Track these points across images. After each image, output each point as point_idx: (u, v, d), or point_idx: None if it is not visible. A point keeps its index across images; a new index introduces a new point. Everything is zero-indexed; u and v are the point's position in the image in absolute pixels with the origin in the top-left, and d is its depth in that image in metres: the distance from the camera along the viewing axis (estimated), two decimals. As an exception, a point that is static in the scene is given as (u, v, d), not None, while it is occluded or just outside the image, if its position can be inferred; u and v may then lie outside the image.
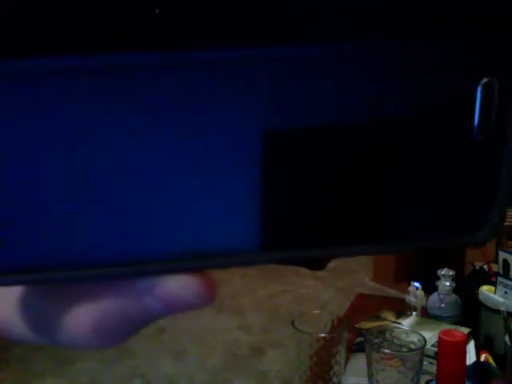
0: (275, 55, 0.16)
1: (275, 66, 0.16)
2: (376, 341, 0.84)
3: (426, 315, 1.18)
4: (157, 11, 0.15)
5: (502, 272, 1.09)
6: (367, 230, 0.18)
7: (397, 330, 0.87)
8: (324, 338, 0.84)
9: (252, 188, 0.17)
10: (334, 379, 0.86)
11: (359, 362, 0.97)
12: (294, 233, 0.17)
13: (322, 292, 2.98)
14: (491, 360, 1.01)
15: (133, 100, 0.16)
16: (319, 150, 0.17)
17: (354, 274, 3.20)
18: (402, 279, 2.85)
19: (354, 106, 0.17)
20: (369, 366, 0.83)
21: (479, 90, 0.17)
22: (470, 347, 1.03)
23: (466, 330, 1.03)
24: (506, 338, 0.96)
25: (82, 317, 0.18)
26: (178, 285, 0.17)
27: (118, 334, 0.18)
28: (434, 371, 0.88)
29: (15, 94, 0.15)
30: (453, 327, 1.06)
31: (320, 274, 3.20)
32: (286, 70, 0.16)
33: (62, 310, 0.18)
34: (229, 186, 0.17)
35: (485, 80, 0.17)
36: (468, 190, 0.18)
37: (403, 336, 0.85)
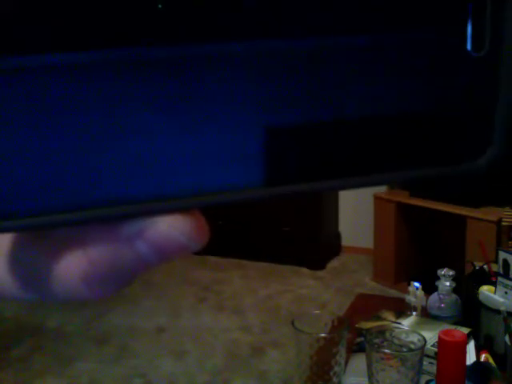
0: (276, 49, 0.16)
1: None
2: (376, 341, 0.84)
3: (426, 315, 1.18)
4: (159, 6, 0.15)
5: (502, 272, 1.09)
6: (369, 159, 0.17)
7: (397, 330, 0.87)
8: (324, 338, 0.84)
9: (253, 122, 0.17)
10: (334, 379, 0.86)
11: (359, 362, 0.97)
12: (296, 167, 0.17)
13: (322, 292, 2.98)
14: (491, 360, 1.01)
15: (133, 94, 0.16)
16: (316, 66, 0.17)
17: (354, 274, 3.20)
18: (402, 279, 2.86)
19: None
20: (369, 366, 0.83)
21: (470, 5, 0.17)
22: (470, 347, 1.03)
23: (466, 330, 1.03)
24: (506, 338, 0.96)
25: (71, 266, 0.17)
26: (167, 226, 0.17)
27: (109, 283, 0.18)
28: (434, 371, 0.89)
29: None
30: (453, 327, 1.06)
31: (320, 273, 3.20)
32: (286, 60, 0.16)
33: (50, 260, 0.17)
34: (227, 119, 0.16)
35: None
36: (466, 112, 0.18)
37: (403, 336, 0.85)
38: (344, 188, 0.18)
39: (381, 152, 0.17)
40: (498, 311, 1.04)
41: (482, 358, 1.01)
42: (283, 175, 0.17)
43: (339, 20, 0.16)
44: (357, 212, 3.45)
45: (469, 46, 0.17)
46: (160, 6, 0.15)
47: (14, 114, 0.15)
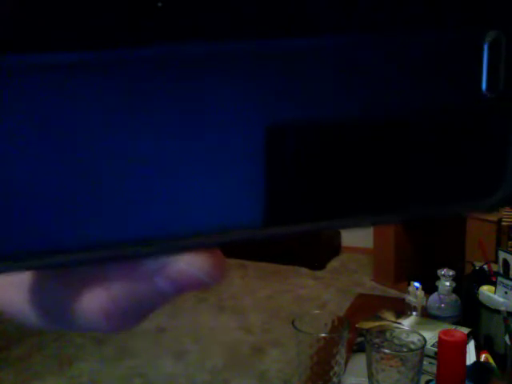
0: (278, 48, 0.16)
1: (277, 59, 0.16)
2: (376, 341, 0.84)
3: (426, 315, 1.18)
4: (159, 4, 0.15)
5: (501, 272, 1.09)
6: (374, 199, 0.17)
7: (397, 330, 0.87)
8: (324, 338, 0.84)
9: (255, 165, 0.17)
10: (334, 379, 0.86)
11: (359, 361, 0.97)
12: (299, 208, 0.17)
13: (322, 292, 2.98)
14: (491, 360, 1.01)
15: (133, 94, 0.16)
16: (322, 128, 0.17)
17: (354, 274, 3.20)
18: (402, 279, 2.86)
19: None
20: (369, 366, 0.83)
21: (486, 45, 0.17)
22: (470, 347, 1.03)
23: (466, 330, 1.03)
24: (506, 338, 0.96)
25: (93, 301, 0.18)
26: (186, 263, 0.17)
27: (129, 317, 0.18)
28: (434, 371, 0.89)
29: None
30: (453, 327, 1.06)
31: (320, 273, 3.20)
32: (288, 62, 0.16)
33: (72, 294, 0.18)
34: (232, 165, 0.16)
35: (491, 34, 0.17)
36: (478, 152, 0.17)
37: (403, 336, 0.85)
38: (345, 227, 0.18)
39: (388, 191, 0.17)
40: (498, 311, 1.04)
41: (482, 358, 1.01)
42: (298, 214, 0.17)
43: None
44: (357, 212, 3.45)
45: (483, 87, 0.17)
46: (160, 4, 0.15)
47: (27, 137, 0.15)
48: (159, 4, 0.15)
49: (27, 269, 0.17)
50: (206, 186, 0.17)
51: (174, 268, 0.17)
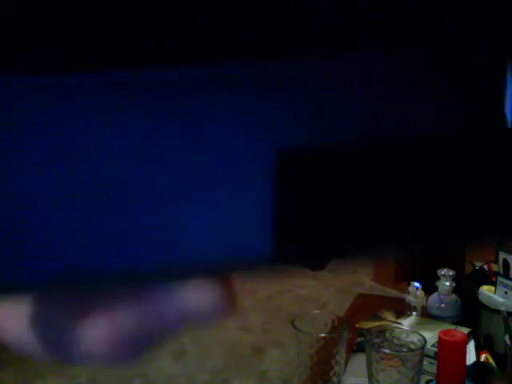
0: (285, 69, 0.15)
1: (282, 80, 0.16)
2: (376, 341, 0.84)
3: (426, 315, 1.18)
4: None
5: (501, 272, 1.09)
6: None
7: (397, 330, 0.87)
8: (324, 338, 0.84)
9: (263, 198, 0.16)
10: (334, 379, 0.86)
11: (359, 361, 0.97)
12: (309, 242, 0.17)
13: (321, 292, 2.98)
14: (491, 360, 1.01)
15: (138, 115, 0.15)
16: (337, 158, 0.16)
17: (354, 274, 3.20)
18: (402, 279, 2.85)
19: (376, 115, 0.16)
20: (369, 366, 0.83)
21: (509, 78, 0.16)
22: (470, 347, 1.03)
23: (466, 330, 1.03)
24: (506, 338, 0.96)
25: (98, 333, 0.17)
26: (196, 295, 0.16)
27: (135, 349, 0.18)
28: (434, 371, 0.89)
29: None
30: (453, 327, 1.06)
31: (320, 273, 3.20)
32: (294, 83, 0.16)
33: (76, 324, 0.17)
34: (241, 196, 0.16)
35: None
36: (504, 192, 0.17)
37: (403, 336, 0.85)
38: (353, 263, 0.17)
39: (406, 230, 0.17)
40: (498, 311, 1.04)
41: (482, 358, 1.01)
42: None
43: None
44: (357, 212, 3.45)
45: (509, 123, 0.16)
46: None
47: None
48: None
49: (31, 298, 0.17)
50: (216, 216, 0.16)
51: (183, 299, 0.16)
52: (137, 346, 0.18)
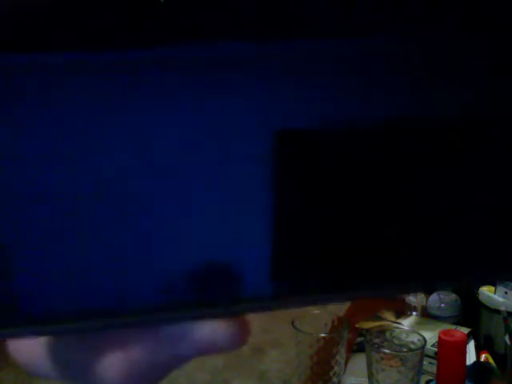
0: (287, 51, 0.15)
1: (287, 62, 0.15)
2: (376, 341, 0.84)
3: (426, 315, 1.18)
4: (162, 1, 0.14)
5: (502, 272, 1.09)
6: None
7: (397, 330, 0.87)
8: (324, 338, 0.84)
9: (266, 226, 0.16)
10: (334, 379, 0.86)
11: (359, 361, 0.97)
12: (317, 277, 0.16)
13: (322, 292, 2.98)
14: (491, 360, 1.00)
15: (136, 102, 0.15)
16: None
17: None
18: (402, 279, 2.85)
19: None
20: (369, 366, 0.83)
21: None
22: (470, 347, 1.02)
23: (465, 330, 1.03)
24: (506, 338, 0.95)
25: (111, 365, 0.18)
26: (210, 330, 0.17)
27: (148, 380, 0.18)
28: (434, 371, 0.88)
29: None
30: (453, 327, 1.06)
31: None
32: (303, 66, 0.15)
33: (90, 357, 0.18)
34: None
35: None
36: None
37: (403, 336, 0.85)
38: (361, 297, 0.17)
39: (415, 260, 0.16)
40: (498, 311, 1.04)
41: (482, 358, 1.01)
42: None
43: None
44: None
45: None
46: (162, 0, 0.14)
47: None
48: (162, 0, 0.14)
49: (43, 335, 0.17)
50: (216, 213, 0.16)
51: (197, 335, 0.17)
52: (149, 377, 0.18)
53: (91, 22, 0.14)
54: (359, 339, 1.07)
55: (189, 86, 0.15)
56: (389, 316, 1.19)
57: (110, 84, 0.15)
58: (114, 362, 0.18)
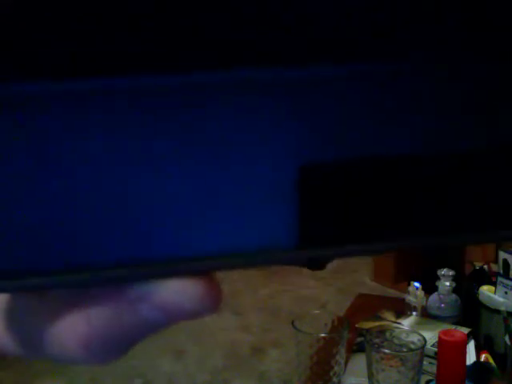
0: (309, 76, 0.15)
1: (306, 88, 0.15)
2: (376, 341, 0.84)
3: (426, 315, 1.18)
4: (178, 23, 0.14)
5: (502, 272, 1.09)
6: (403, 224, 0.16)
7: (397, 330, 0.87)
8: (324, 338, 0.84)
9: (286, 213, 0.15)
10: (334, 379, 0.86)
11: (359, 361, 0.97)
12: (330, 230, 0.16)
13: (321, 292, 2.98)
14: (491, 360, 1.01)
15: (154, 127, 0.15)
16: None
17: (354, 274, 3.20)
18: (402, 279, 2.85)
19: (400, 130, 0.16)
20: (369, 366, 0.83)
21: None
22: (470, 347, 1.03)
23: (465, 330, 1.03)
24: (506, 338, 0.96)
25: (70, 329, 0.16)
26: (176, 291, 0.15)
27: (112, 348, 0.17)
28: (434, 371, 0.88)
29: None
30: (453, 327, 1.06)
31: (320, 274, 3.20)
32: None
33: (49, 321, 0.16)
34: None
35: None
36: None
37: (403, 336, 0.85)
38: (376, 253, 0.17)
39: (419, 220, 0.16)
40: (497, 311, 1.04)
41: (482, 358, 1.01)
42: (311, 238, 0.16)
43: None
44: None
45: None
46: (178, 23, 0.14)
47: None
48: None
49: (1, 291, 0.16)
50: (201, 204, 0.15)
51: (161, 296, 0.15)
52: (113, 346, 0.17)
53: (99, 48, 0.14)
54: (359, 339, 1.07)
55: (214, 118, 0.15)
56: (389, 316, 1.19)
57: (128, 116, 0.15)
58: (73, 327, 0.16)
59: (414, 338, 0.83)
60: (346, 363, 0.93)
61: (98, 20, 0.14)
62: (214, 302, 0.16)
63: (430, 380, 0.93)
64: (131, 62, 0.14)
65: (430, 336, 1.02)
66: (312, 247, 0.16)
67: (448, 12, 0.15)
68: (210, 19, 0.14)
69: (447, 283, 1.17)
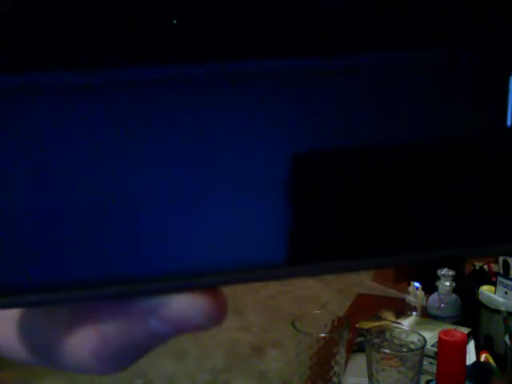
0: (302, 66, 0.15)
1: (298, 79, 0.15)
2: (376, 341, 0.84)
3: (426, 315, 1.18)
4: (174, 22, 0.14)
5: (502, 272, 1.09)
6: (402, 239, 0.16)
7: (397, 330, 0.87)
8: (324, 338, 0.84)
9: (274, 202, 0.15)
10: (334, 379, 0.86)
11: (359, 361, 0.97)
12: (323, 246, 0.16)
13: (322, 292, 2.98)
14: (491, 360, 1.00)
15: (150, 122, 0.15)
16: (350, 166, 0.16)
17: (354, 274, 3.20)
18: (402, 279, 2.85)
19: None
20: (369, 366, 0.83)
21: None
22: (470, 347, 1.03)
23: (466, 330, 1.03)
24: (506, 338, 0.96)
25: (81, 340, 0.17)
26: (184, 304, 0.16)
27: (121, 359, 0.17)
28: (434, 371, 0.88)
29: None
30: (453, 327, 1.06)
31: (320, 274, 3.19)
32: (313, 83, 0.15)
33: (61, 332, 0.17)
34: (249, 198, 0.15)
35: None
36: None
37: (403, 336, 0.85)
38: (370, 268, 0.17)
39: (414, 234, 0.16)
40: (498, 311, 1.04)
41: (482, 358, 1.01)
42: (307, 253, 0.16)
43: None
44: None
45: (509, 123, 0.16)
46: (175, 21, 0.14)
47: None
48: (174, 22, 0.14)
49: (15, 306, 0.16)
50: (208, 223, 0.15)
51: (169, 309, 0.16)
52: (123, 357, 0.17)
53: (98, 42, 0.14)
54: (359, 339, 1.07)
55: (208, 108, 0.15)
56: (389, 316, 1.19)
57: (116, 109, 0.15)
58: (84, 339, 0.17)
59: (414, 337, 0.83)
60: (346, 363, 0.93)
61: (90, 12, 0.14)
62: (219, 315, 0.16)
63: (430, 380, 0.93)
64: (126, 55, 0.14)
65: (430, 336, 1.02)
66: (308, 263, 0.16)
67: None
68: (206, 11, 0.14)
69: (447, 283, 1.17)
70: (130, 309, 0.16)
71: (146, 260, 0.15)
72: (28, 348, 0.18)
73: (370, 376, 0.83)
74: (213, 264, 0.16)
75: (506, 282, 1.07)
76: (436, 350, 0.91)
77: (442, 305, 1.16)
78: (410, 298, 1.22)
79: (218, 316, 0.16)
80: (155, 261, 0.15)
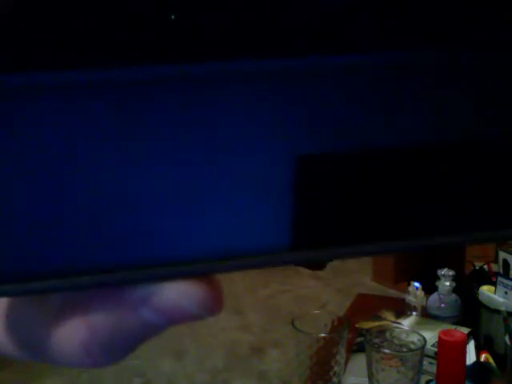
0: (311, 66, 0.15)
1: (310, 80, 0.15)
2: (376, 341, 0.84)
3: (426, 315, 1.18)
4: (172, 17, 0.14)
5: (502, 272, 1.09)
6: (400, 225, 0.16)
7: (397, 330, 0.87)
8: (324, 338, 0.84)
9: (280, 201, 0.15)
10: (334, 379, 0.86)
11: (359, 362, 0.97)
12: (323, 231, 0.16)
13: (322, 292, 2.98)
14: (491, 360, 1.01)
15: (154, 120, 0.14)
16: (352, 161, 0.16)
17: (354, 274, 3.20)
18: (402, 279, 2.85)
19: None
20: (369, 366, 0.83)
21: None
22: (470, 347, 1.03)
23: (466, 330, 1.03)
24: (506, 338, 0.96)
25: (70, 332, 0.16)
26: (177, 293, 0.15)
27: (112, 352, 0.16)
28: (434, 371, 0.88)
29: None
30: (453, 327, 1.06)
31: (320, 273, 3.20)
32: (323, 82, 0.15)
33: (49, 324, 0.16)
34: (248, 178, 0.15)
35: None
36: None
37: (403, 336, 0.85)
38: (370, 254, 0.17)
39: (414, 220, 0.16)
40: (498, 311, 1.04)
41: (482, 358, 1.01)
42: (307, 239, 0.16)
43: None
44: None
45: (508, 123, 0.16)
46: (173, 16, 0.14)
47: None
48: (172, 17, 0.14)
49: (2, 295, 0.16)
50: (204, 207, 0.15)
51: (162, 298, 0.15)
52: (114, 349, 0.16)
53: (94, 39, 0.14)
54: (359, 339, 1.07)
55: (208, 108, 0.15)
56: (389, 316, 1.19)
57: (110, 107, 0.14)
58: (73, 330, 0.16)
59: (414, 337, 0.83)
60: (346, 363, 0.93)
61: (90, 12, 0.14)
62: (215, 305, 0.16)
63: (430, 380, 0.93)
64: (126, 55, 0.14)
65: (430, 336, 1.02)
66: (309, 249, 0.16)
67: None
68: (206, 11, 0.14)
69: (447, 283, 1.17)
70: (121, 298, 0.16)
71: (137, 247, 0.15)
72: (15, 341, 0.17)
73: (370, 376, 0.83)
74: (208, 251, 0.15)
75: (506, 281, 1.07)
76: (436, 350, 0.91)
77: (442, 305, 1.16)
78: (409, 298, 1.22)
79: (213, 305, 0.15)
80: (147, 247, 0.15)
